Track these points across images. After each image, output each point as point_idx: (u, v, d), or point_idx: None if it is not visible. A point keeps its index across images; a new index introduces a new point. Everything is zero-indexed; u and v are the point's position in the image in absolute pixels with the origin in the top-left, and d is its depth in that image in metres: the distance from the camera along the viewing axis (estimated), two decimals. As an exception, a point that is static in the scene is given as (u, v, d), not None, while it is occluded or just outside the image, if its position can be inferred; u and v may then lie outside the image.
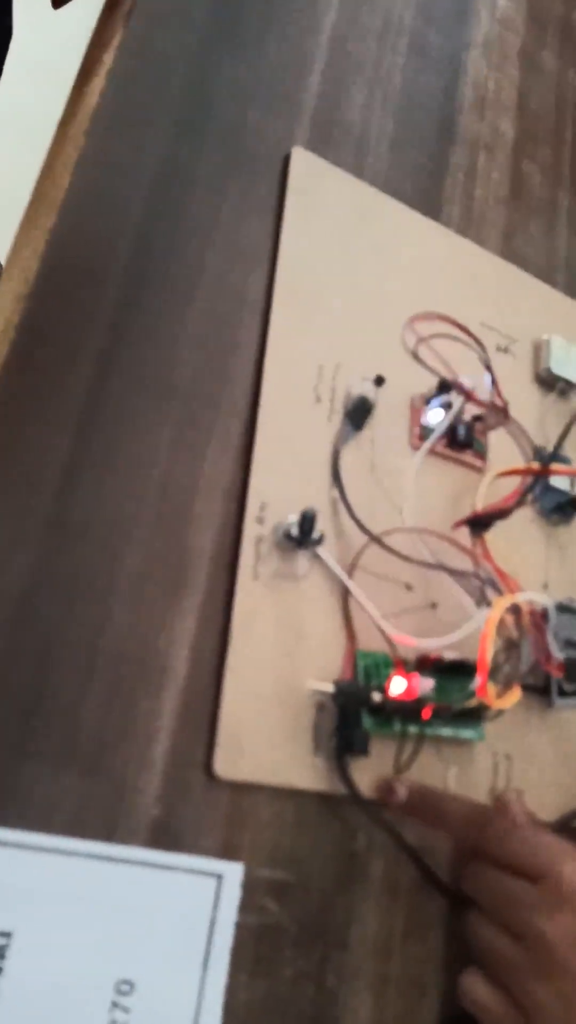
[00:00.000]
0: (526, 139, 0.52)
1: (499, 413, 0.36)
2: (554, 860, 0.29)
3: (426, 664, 0.34)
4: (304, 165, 0.40)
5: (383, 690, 0.32)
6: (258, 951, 0.29)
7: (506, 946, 0.29)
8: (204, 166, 0.38)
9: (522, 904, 0.28)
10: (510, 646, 0.32)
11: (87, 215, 0.33)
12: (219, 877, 0.29)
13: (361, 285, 0.40)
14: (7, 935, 0.25)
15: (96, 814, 0.27)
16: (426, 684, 0.32)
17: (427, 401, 0.37)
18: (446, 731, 0.34)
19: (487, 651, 0.29)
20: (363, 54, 0.46)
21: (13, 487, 0.29)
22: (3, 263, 0.30)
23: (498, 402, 0.36)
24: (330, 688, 0.30)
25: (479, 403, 0.34)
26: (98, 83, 0.34)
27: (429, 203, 0.45)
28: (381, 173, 0.44)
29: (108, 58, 0.35)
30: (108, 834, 0.28)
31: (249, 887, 0.29)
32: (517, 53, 0.55)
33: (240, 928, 0.29)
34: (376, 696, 0.31)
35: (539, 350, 0.44)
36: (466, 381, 0.35)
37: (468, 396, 0.33)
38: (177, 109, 0.38)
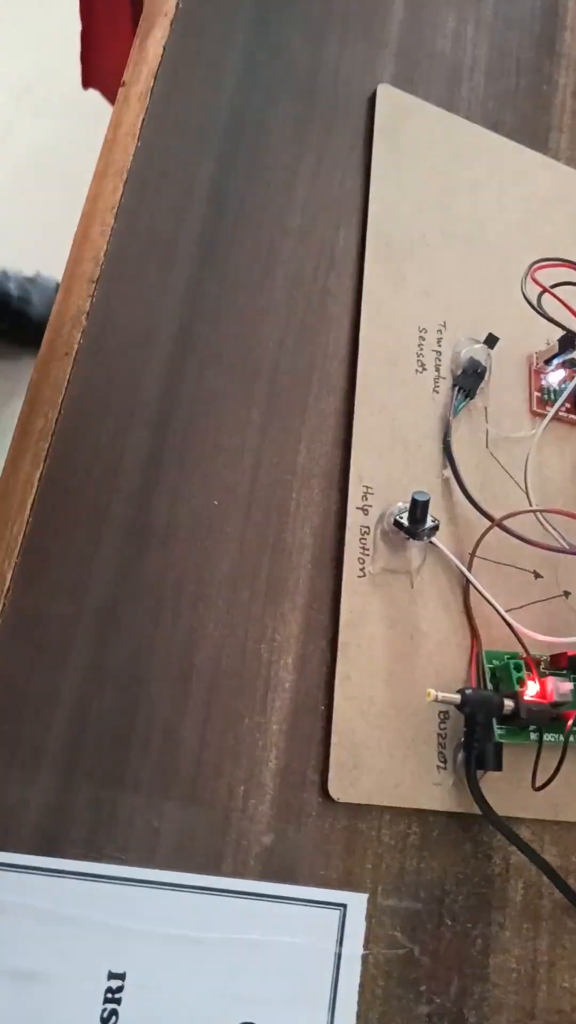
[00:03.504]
0: None
1: None
2: None
3: (562, 663, 0.30)
4: (391, 103, 0.36)
5: (516, 696, 0.28)
6: (388, 987, 0.26)
7: None
8: (278, 116, 0.34)
9: None
10: None
11: (154, 181, 0.30)
12: (343, 908, 0.26)
13: (463, 233, 0.35)
14: (121, 977, 0.23)
15: (202, 845, 0.25)
16: (564, 687, 0.28)
17: (547, 361, 0.33)
18: (590, 738, 0.30)
19: None
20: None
21: (89, 489, 0.26)
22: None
23: None
24: (456, 698, 0.27)
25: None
26: (160, 34, 0.31)
27: (534, 133, 0.40)
28: (478, 105, 0.39)
29: (169, 7, 0.32)
30: (216, 866, 0.25)
31: (375, 918, 0.26)
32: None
33: (367, 963, 0.26)
34: (508, 703, 0.27)
35: None
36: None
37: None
38: (244, 57, 0.34)
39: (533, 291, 0.28)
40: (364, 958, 0.26)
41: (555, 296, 0.27)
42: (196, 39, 0.33)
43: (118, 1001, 0.23)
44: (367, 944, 0.26)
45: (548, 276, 0.29)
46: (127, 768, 0.25)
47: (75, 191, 0.35)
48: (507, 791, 0.29)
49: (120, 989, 0.23)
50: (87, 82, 0.46)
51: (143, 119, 0.30)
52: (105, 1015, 0.22)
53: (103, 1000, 0.22)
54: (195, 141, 0.32)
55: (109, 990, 0.23)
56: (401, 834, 0.28)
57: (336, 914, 0.26)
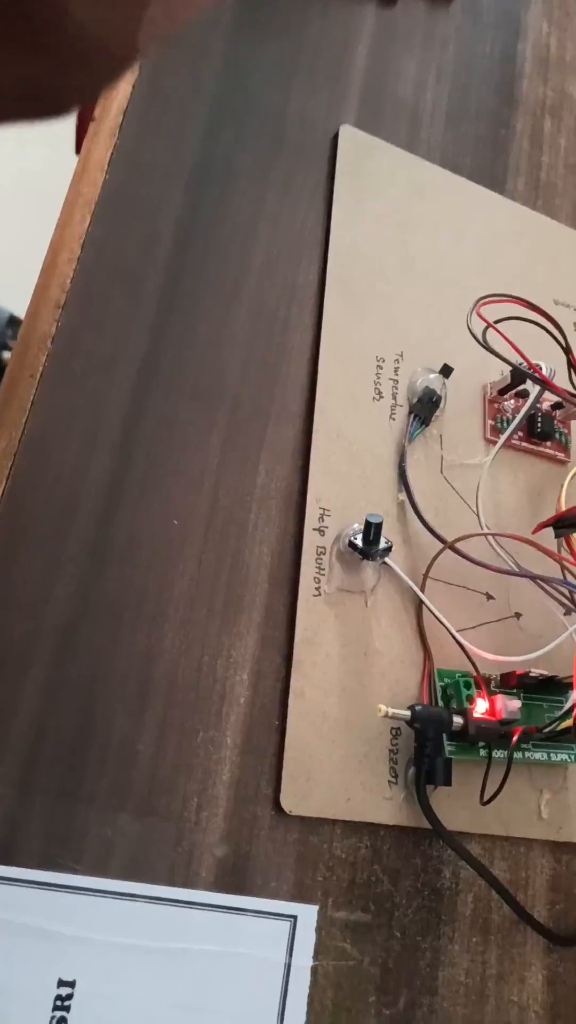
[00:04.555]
0: (596, 98, 0.48)
1: (581, 400, 0.32)
2: None
3: (511, 682, 0.31)
4: (353, 143, 0.37)
5: (465, 713, 0.29)
6: (337, 998, 0.27)
7: None
8: (244, 154, 0.35)
9: None
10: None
11: (122, 213, 0.31)
12: (293, 919, 0.27)
13: (421, 269, 0.37)
14: (71, 984, 0.24)
15: (155, 856, 0.26)
16: (512, 705, 0.29)
17: (501, 391, 0.34)
18: (537, 755, 0.31)
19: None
20: (412, 21, 0.43)
21: (51, 509, 0.27)
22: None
23: (578, 388, 0.32)
24: (406, 714, 0.28)
25: (559, 391, 0.30)
26: (129, 73, 0.32)
27: (492, 175, 0.42)
28: (438, 147, 0.41)
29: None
30: (170, 877, 0.26)
31: (324, 930, 0.27)
32: (582, 6, 0.50)
33: (317, 974, 0.27)
34: (458, 720, 0.28)
35: (622, 327, 0.40)
36: (543, 367, 0.32)
37: (546, 384, 0.30)
38: (212, 97, 0.35)
39: (480, 326, 0.29)
40: (313, 969, 0.27)
41: (497, 331, 0.28)
42: (164, 78, 0.34)
43: (67, 1009, 0.23)
44: (317, 955, 0.27)
45: (498, 311, 0.31)
46: (83, 780, 0.25)
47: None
48: (458, 807, 0.30)
49: (70, 997, 0.23)
50: (80, 148, 0.48)
51: (112, 154, 0.31)
52: (54, 1023, 0.23)
53: (52, 1008, 0.23)
54: (162, 176, 0.33)
55: (59, 998, 0.23)
56: (352, 847, 0.28)
57: (286, 925, 0.26)
